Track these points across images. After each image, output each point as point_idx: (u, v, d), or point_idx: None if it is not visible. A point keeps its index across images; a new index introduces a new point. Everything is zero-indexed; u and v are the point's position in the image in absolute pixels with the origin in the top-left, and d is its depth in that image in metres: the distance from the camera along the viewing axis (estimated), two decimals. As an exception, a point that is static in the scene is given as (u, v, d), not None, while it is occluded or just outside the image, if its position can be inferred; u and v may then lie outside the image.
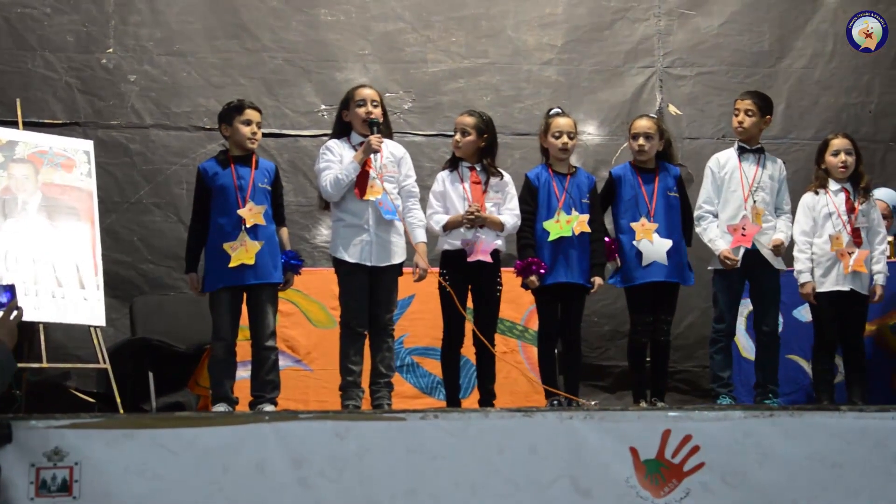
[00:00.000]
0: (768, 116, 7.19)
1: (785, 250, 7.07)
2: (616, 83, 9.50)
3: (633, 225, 6.88)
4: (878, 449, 5.74)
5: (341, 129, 6.77)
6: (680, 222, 7.00)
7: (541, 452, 5.58)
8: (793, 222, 7.18)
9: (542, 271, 6.72)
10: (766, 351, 7.02)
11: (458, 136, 6.91)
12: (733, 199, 7.03)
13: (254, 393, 6.43)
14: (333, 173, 6.54)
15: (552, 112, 7.01)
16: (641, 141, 6.98)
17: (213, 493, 5.33)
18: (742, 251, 6.93)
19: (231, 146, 6.61)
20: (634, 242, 6.85)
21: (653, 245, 6.83)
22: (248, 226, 6.40)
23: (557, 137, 6.89)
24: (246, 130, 6.54)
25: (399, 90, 9.26)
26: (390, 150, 6.76)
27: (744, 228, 6.92)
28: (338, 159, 6.61)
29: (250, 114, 6.57)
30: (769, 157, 7.17)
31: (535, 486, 5.55)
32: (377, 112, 6.62)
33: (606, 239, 6.97)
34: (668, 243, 6.85)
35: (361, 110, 6.64)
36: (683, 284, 7.02)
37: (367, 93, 6.69)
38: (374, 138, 6.52)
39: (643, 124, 7.04)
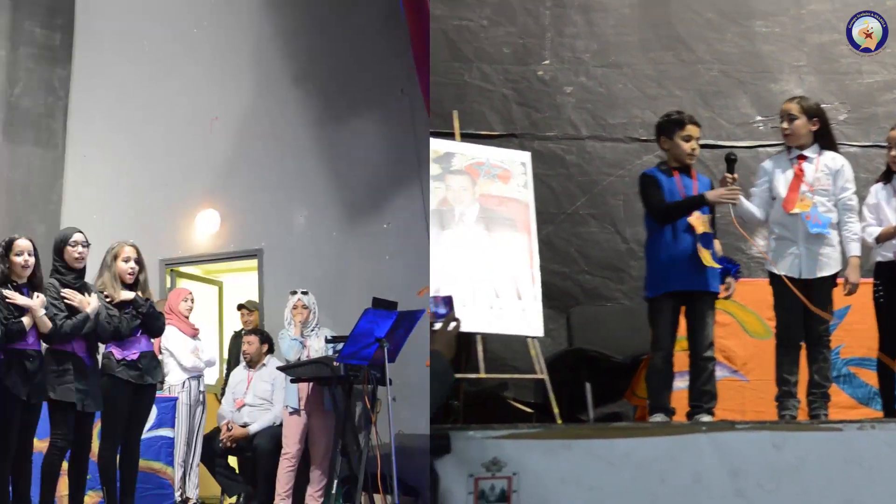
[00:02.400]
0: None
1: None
2: None
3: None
4: None
5: None
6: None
7: None
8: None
9: None
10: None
11: (894, 152, 6.75)
12: None
13: (691, 403, 6.45)
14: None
15: None
16: None
17: (650, 505, 5.32)
18: None
19: (669, 158, 6.69)
20: None
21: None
22: (698, 233, 6.45)
23: None
24: (686, 146, 6.61)
25: (834, 101, 9.00)
26: (825, 163, 6.66)
27: None
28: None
29: (691, 129, 6.63)
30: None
31: None
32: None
33: None
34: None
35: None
36: None
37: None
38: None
39: None
